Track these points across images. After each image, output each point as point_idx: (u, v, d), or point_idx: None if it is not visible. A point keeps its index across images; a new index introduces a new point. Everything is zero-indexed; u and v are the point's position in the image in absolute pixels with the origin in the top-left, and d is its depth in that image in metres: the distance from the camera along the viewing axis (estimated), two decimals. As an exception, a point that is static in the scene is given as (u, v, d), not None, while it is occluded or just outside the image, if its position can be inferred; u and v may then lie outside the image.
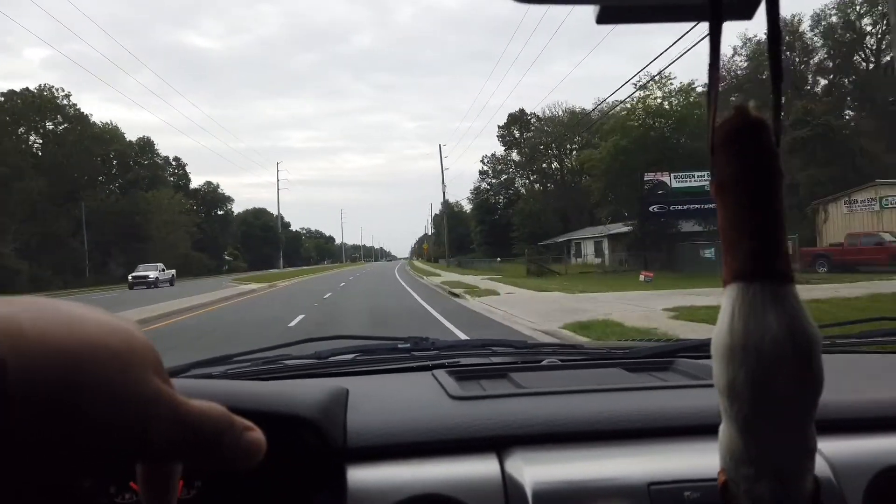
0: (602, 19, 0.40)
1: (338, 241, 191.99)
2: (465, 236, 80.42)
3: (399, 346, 1.46)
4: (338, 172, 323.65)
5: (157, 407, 0.29)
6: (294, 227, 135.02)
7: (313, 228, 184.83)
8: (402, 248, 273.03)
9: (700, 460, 0.83)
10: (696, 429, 0.89)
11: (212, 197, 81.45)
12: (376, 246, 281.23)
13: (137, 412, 0.28)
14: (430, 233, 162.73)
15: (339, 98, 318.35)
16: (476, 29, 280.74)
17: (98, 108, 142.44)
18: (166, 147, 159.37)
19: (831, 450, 0.84)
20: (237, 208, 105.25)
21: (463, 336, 8.45)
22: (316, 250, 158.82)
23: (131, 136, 66.10)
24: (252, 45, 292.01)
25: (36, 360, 0.25)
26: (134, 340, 0.30)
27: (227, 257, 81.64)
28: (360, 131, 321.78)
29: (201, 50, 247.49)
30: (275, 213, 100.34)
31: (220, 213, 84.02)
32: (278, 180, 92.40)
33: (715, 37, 0.39)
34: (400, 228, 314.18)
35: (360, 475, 0.82)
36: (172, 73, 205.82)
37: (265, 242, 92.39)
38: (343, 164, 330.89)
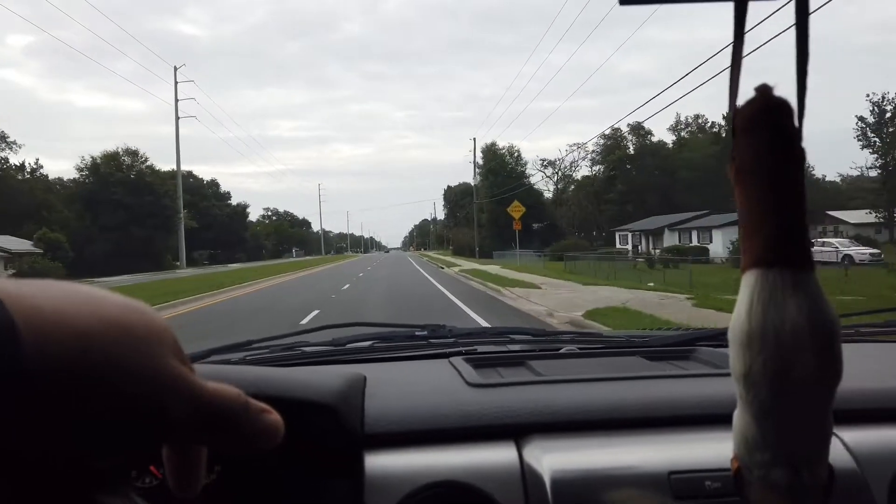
0: (626, 0, 0.39)
1: (317, 226, 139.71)
2: (536, 210, 44.95)
3: (416, 333, 1.46)
4: (326, 162, 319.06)
5: (175, 387, 0.29)
6: (243, 203, 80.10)
7: (281, 209, 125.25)
8: (392, 238, 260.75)
9: (721, 449, 0.81)
10: (717, 418, 0.88)
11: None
12: (366, 235, 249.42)
13: (155, 391, 0.28)
14: (433, 216, 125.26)
15: (327, 87, 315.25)
16: (466, 18, 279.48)
17: (81, 96, 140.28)
18: (153, 135, 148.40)
19: (856, 440, 0.83)
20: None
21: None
22: (276, 237, 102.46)
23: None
24: (239, 33, 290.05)
25: (52, 335, 0.25)
26: (152, 321, 0.30)
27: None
28: (349, 121, 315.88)
29: (187, 37, 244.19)
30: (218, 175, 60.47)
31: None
32: (177, 98, 50.65)
33: (740, 16, 0.38)
34: (391, 219, 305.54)
35: (378, 461, 0.83)
36: (157, 60, 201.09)
37: (148, 217, 45.73)
38: (332, 154, 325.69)
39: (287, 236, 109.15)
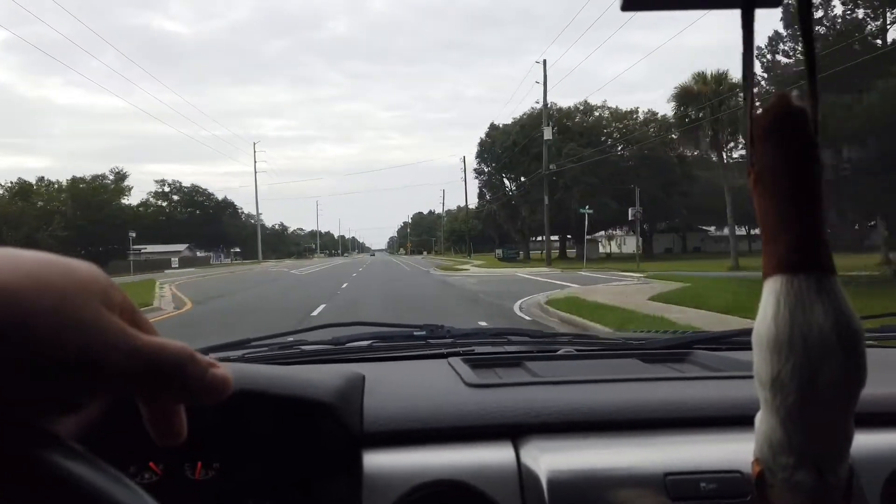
0: (628, 6, 0.38)
1: (278, 217, 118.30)
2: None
3: (415, 333, 1.47)
4: (311, 162, 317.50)
5: (103, 334, 0.29)
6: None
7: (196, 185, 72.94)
8: (377, 240, 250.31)
9: (717, 451, 0.83)
10: (713, 420, 0.89)
11: None
12: (347, 236, 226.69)
13: (81, 339, 0.28)
14: (459, 204, 78.77)
15: (311, 86, 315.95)
16: (451, 18, 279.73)
17: (61, 93, 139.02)
18: (135, 132, 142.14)
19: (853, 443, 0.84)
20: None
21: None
22: (77, 219, 42.30)
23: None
24: (223, 30, 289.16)
25: None
26: (75, 272, 0.29)
27: None
28: (334, 121, 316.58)
29: (170, 34, 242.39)
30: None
31: None
32: None
33: (748, 23, 0.38)
34: (375, 220, 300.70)
35: (376, 460, 0.83)
36: (139, 57, 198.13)
37: None
38: (316, 154, 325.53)
39: (99, 219, 46.18)
